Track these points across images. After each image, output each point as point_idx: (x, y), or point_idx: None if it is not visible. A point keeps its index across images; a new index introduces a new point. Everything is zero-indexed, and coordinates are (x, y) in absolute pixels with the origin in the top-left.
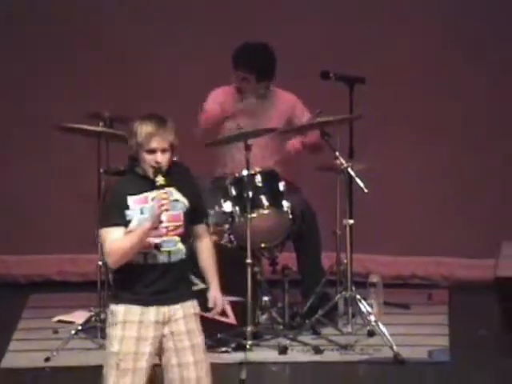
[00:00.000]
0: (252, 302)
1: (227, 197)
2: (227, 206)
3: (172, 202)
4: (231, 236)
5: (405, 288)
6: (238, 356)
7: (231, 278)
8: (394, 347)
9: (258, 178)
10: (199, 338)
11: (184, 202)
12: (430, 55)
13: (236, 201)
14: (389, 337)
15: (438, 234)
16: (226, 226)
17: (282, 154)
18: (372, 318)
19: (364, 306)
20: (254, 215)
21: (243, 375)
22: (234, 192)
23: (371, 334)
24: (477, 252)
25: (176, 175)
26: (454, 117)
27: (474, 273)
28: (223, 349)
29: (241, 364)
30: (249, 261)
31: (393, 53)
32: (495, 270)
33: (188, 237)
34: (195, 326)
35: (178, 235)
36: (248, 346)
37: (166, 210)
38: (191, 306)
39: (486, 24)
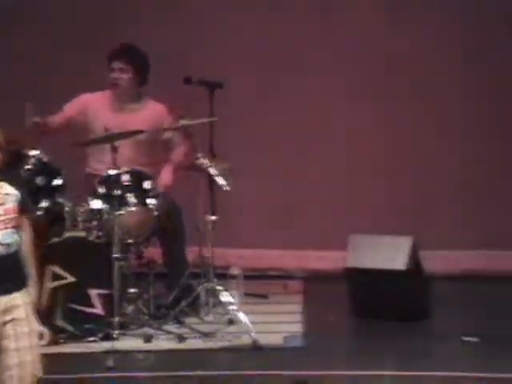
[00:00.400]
0: (119, 294)
1: (96, 195)
2: (96, 204)
3: (4, 196)
4: (99, 232)
5: (263, 279)
6: (106, 345)
7: (100, 272)
8: (253, 334)
9: (126, 178)
10: (35, 324)
11: (15, 194)
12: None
13: (104, 199)
14: (248, 324)
15: (293, 228)
16: (95, 223)
17: (151, 157)
18: (232, 307)
19: (225, 297)
20: (121, 212)
21: (110, 363)
22: (102, 190)
23: (231, 322)
24: (328, 244)
25: (6, 168)
26: (304, 117)
27: (326, 264)
28: (91, 338)
29: (108, 352)
30: (116, 255)
31: (251, 58)
32: (345, 261)
33: (19, 228)
34: (31, 312)
35: (13, 227)
36: (115, 336)
37: (1, 204)
38: (28, 294)
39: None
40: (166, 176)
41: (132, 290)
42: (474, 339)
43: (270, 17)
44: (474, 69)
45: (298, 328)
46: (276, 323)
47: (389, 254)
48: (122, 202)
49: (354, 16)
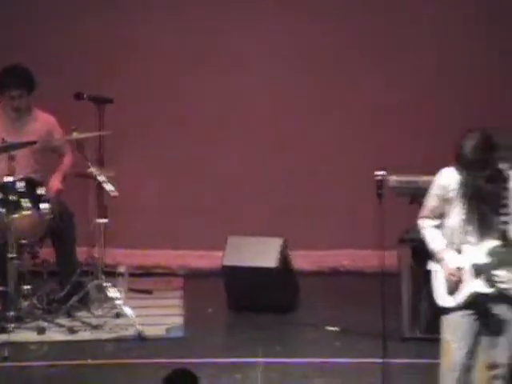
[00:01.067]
0: (14, 290)
1: None
2: None
3: None
4: None
5: (148, 276)
6: (1, 337)
7: None
8: (137, 326)
9: (21, 184)
10: None
11: None
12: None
13: (1, 203)
14: (133, 317)
15: (176, 229)
16: None
17: (43, 164)
18: (119, 302)
19: (112, 292)
20: (16, 216)
21: (5, 354)
22: None
23: (118, 315)
24: (207, 244)
25: None
26: (191, 128)
27: (205, 262)
28: None
29: (3, 344)
30: (11, 255)
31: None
32: (222, 260)
33: None
34: None
35: None
36: (10, 329)
37: None
38: None
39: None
40: (55, 183)
41: (27, 287)
42: (336, 328)
43: (158, 29)
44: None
45: (179, 320)
46: (159, 316)
47: (261, 253)
48: (17, 206)
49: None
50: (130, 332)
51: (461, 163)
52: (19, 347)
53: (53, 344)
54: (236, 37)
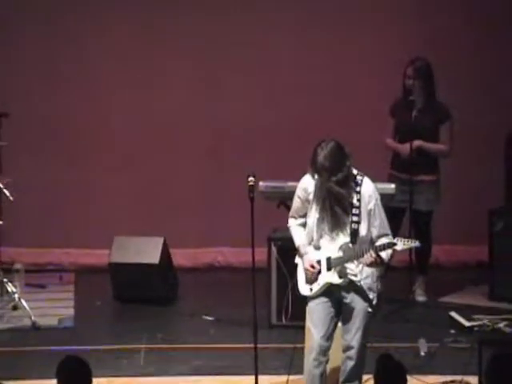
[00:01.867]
0: None
1: None
2: None
3: None
4: None
5: (42, 272)
6: None
7: None
8: (32, 317)
9: None
10: None
11: None
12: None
13: None
14: (28, 309)
15: (65, 230)
16: None
17: None
18: (16, 295)
19: (9, 287)
20: None
21: None
22: None
23: (15, 307)
24: (95, 244)
25: None
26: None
27: (93, 259)
28: None
29: None
30: None
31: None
32: (109, 258)
33: None
34: None
35: None
36: None
37: None
38: None
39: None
40: None
41: None
42: (211, 318)
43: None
44: None
45: (70, 312)
46: (52, 308)
47: (144, 251)
48: None
49: None
50: (26, 323)
51: (314, 168)
52: None
53: None
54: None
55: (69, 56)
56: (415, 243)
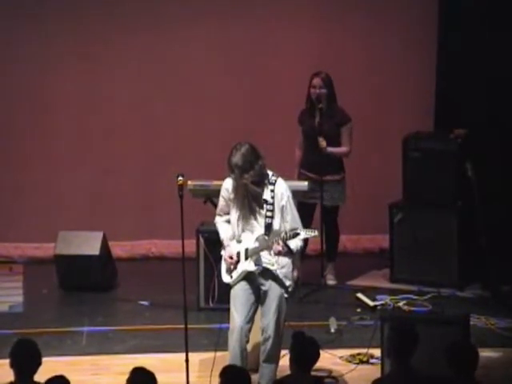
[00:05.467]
0: None
1: None
2: None
3: None
4: None
5: None
6: None
7: None
8: None
9: None
10: None
11: None
12: None
13: None
14: None
15: (14, 225)
16: None
17: None
18: None
19: None
20: None
21: None
22: None
23: None
24: (41, 238)
25: None
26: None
27: (40, 252)
28: None
29: None
30: None
31: None
32: (54, 250)
33: None
34: None
35: None
36: None
37: None
38: None
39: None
40: None
41: None
42: (146, 303)
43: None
44: None
45: (19, 299)
46: (3, 296)
47: (86, 243)
48: None
49: None
50: None
51: (229, 166)
52: None
53: None
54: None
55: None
56: (315, 233)
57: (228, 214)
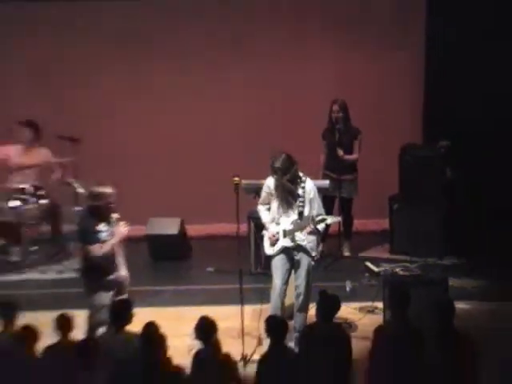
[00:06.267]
0: None
1: None
2: None
3: None
4: None
5: None
6: None
7: None
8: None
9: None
10: None
11: None
12: None
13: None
14: None
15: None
16: None
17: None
18: None
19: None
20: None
21: None
22: None
23: None
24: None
25: None
26: None
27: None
28: None
29: None
30: None
31: None
32: (145, 231)
33: None
34: None
35: None
36: None
37: None
38: None
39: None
40: None
41: None
42: (212, 269)
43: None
44: None
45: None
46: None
47: (168, 226)
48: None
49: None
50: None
51: (272, 170)
52: None
53: None
54: None
55: None
56: (338, 218)
57: (268, 204)
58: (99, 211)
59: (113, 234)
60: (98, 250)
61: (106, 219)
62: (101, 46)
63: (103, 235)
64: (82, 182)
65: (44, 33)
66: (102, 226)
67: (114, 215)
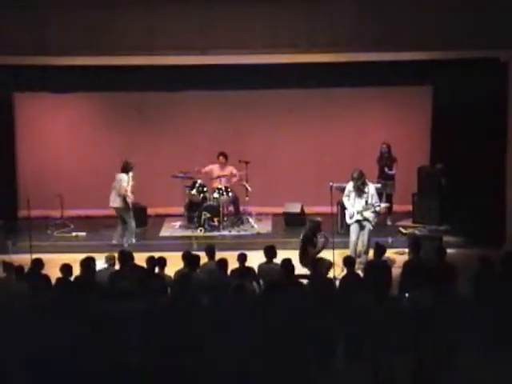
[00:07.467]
0: None
1: None
2: None
3: None
4: None
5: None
6: None
7: None
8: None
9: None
10: None
11: None
12: None
13: None
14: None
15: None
16: None
17: None
18: None
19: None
20: None
21: None
22: None
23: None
24: (273, 204)
25: None
26: None
27: (270, 210)
28: None
29: None
30: None
31: None
32: (283, 209)
33: None
34: None
35: None
36: None
37: None
38: None
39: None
40: None
41: None
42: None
43: None
44: None
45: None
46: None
47: (294, 207)
48: None
49: None
50: None
51: (352, 178)
52: None
53: None
54: None
55: None
56: (386, 204)
57: (348, 196)
58: None
59: None
60: None
61: None
62: None
63: None
64: (249, 184)
65: None
66: None
67: None
